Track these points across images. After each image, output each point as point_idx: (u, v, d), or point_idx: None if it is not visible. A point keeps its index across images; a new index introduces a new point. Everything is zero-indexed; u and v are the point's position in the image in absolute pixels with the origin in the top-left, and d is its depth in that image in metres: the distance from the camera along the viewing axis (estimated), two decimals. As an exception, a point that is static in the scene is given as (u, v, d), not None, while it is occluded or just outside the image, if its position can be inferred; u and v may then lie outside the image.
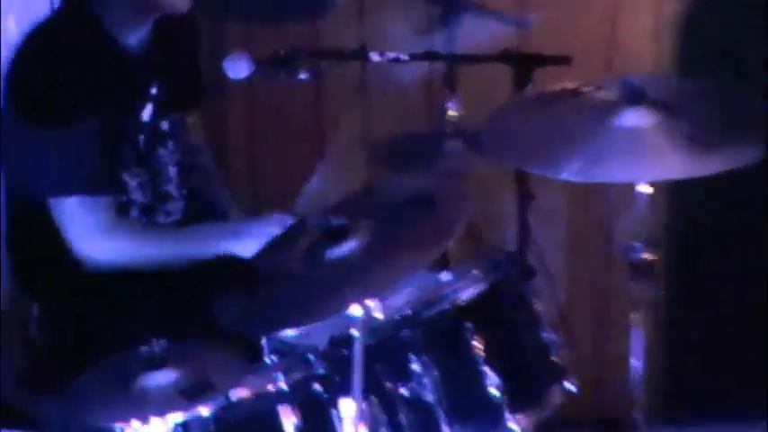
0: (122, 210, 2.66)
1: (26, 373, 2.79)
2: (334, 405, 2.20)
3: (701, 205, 3.34)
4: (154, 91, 2.72)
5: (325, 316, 2.17)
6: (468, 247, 2.73)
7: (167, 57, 2.74)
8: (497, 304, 2.35)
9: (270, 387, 2.23)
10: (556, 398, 2.36)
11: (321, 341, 2.27)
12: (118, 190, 2.65)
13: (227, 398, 2.18)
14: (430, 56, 2.99)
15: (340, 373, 2.19)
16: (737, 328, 3.39)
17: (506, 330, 2.34)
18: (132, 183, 2.68)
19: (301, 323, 2.27)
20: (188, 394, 2.13)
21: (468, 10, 3.26)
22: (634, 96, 2.27)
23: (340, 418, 2.17)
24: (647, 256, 2.32)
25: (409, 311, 2.27)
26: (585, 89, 2.37)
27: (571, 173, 2.19)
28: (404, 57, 2.86)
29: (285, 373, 2.24)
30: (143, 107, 2.70)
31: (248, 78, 2.70)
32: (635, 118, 2.26)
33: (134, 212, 2.70)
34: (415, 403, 2.24)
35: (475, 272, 2.37)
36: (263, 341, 2.32)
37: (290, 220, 2.49)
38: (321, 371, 2.25)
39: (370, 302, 2.11)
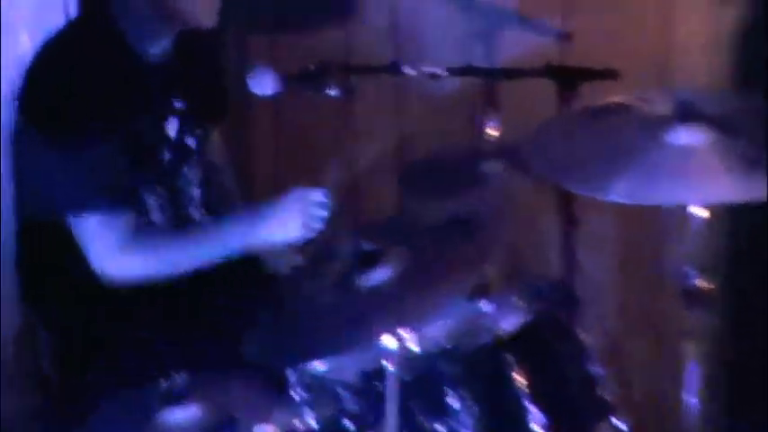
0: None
1: (39, 410, 2.80)
2: (366, 443, 2.21)
3: (760, 229, 3.33)
4: (178, 105, 2.74)
5: (357, 348, 2.17)
6: (509, 274, 2.73)
7: (190, 70, 2.76)
8: (541, 336, 2.35)
9: (297, 424, 2.24)
10: (604, 436, 2.36)
11: (352, 375, 2.27)
12: (136, 209, 2.66)
13: (251, 435, 2.19)
14: (468, 70, 2.99)
15: (372, 409, 2.20)
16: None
17: (550, 364, 2.34)
18: (152, 202, 2.70)
19: (331, 355, 2.28)
20: (210, 431, 2.13)
21: (509, 21, 3.27)
22: (687, 112, 2.26)
23: (372, 458, 2.18)
24: (701, 283, 2.31)
25: (446, 343, 2.27)
26: (635, 104, 2.38)
27: (619, 194, 2.19)
28: (440, 71, 2.86)
29: (313, 409, 2.25)
30: (167, 121, 2.72)
31: (274, 95, 2.71)
32: (688, 135, 2.25)
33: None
34: (453, 441, 2.24)
35: (517, 301, 2.37)
36: (291, 374, 2.33)
37: (311, 194, 2.50)
38: (352, 407, 2.25)
39: (404, 333, 2.11)
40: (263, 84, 2.70)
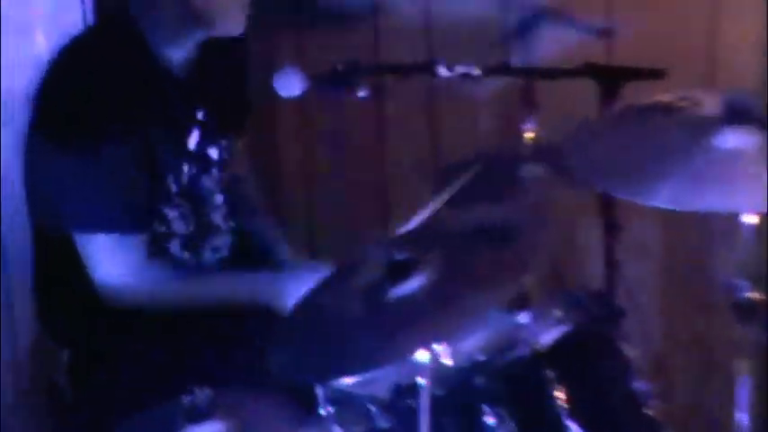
0: (161, 242, 2.68)
1: (55, 429, 2.81)
2: (399, 462, 2.21)
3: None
4: (200, 116, 2.74)
5: (388, 362, 2.17)
6: (548, 284, 2.72)
7: (215, 79, 2.75)
8: (582, 350, 2.34)
9: (326, 441, 2.24)
10: (649, 455, 2.35)
11: (383, 390, 2.27)
12: (155, 222, 2.66)
13: (278, 454, 2.19)
14: (505, 70, 2.99)
15: (405, 426, 2.19)
16: None
17: (592, 379, 2.33)
18: (172, 213, 2.70)
19: (361, 370, 2.27)
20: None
21: (548, 18, 3.26)
22: (736, 114, 2.25)
23: (405, 477, 2.18)
24: (753, 295, 2.30)
25: (482, 357, 2.27)
26: (680, 104, 2.37)
27: (664, 199, 2.18)
28: (475, 71, 2.86)
29: (343, 426, 2.25)
30: (189, 134, 2.72)
31: (301, 96, 2.72)
32: (736, 138, 2.24)
33: (175, 246, 2.72)
34: (489, 461, 2.24)
35: (557, 313, 2.36)
36: (319, 390, 2.33)
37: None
38: (383, 424, 2.25)
39: (438, 347, 2.11)
40: (290, 85, 2.70)
